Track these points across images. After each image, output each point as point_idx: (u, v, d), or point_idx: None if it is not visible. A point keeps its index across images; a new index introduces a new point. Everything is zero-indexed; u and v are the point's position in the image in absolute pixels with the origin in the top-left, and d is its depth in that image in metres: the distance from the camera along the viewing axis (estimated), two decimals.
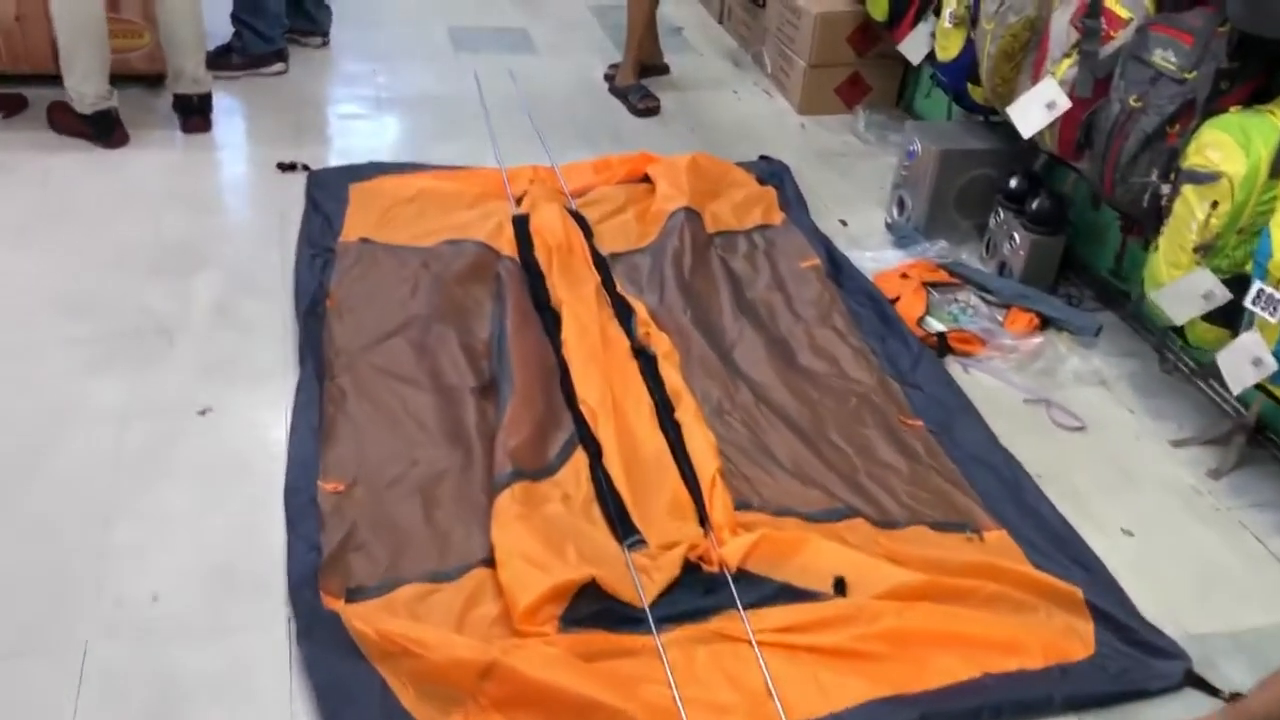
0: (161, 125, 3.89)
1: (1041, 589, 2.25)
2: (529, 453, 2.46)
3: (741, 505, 2.40)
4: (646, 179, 3.69)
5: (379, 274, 3.12)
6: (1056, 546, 2.40)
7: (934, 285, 3.29)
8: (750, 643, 2.10)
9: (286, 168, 3.68)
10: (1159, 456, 2.76)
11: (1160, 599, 2.28)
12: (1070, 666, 2.12)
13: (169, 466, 2.44)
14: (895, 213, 3.66)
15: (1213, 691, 2.10)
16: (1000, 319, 3.18)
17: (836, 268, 3.32)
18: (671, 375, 2.76)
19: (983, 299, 3.27)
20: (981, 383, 2.95)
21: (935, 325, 3.11)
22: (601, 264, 3.22)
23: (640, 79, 4.47)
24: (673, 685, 1.99)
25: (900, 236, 3.57)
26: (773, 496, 2.46)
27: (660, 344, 2.88)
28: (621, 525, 2.33)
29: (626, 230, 3.44)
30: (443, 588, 2.17)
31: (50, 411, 2.55)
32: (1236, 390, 2.53)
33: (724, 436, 2.62)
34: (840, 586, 2.22)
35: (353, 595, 2.13)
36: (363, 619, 2.03)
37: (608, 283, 3.13)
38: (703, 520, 2.36)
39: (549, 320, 2.94)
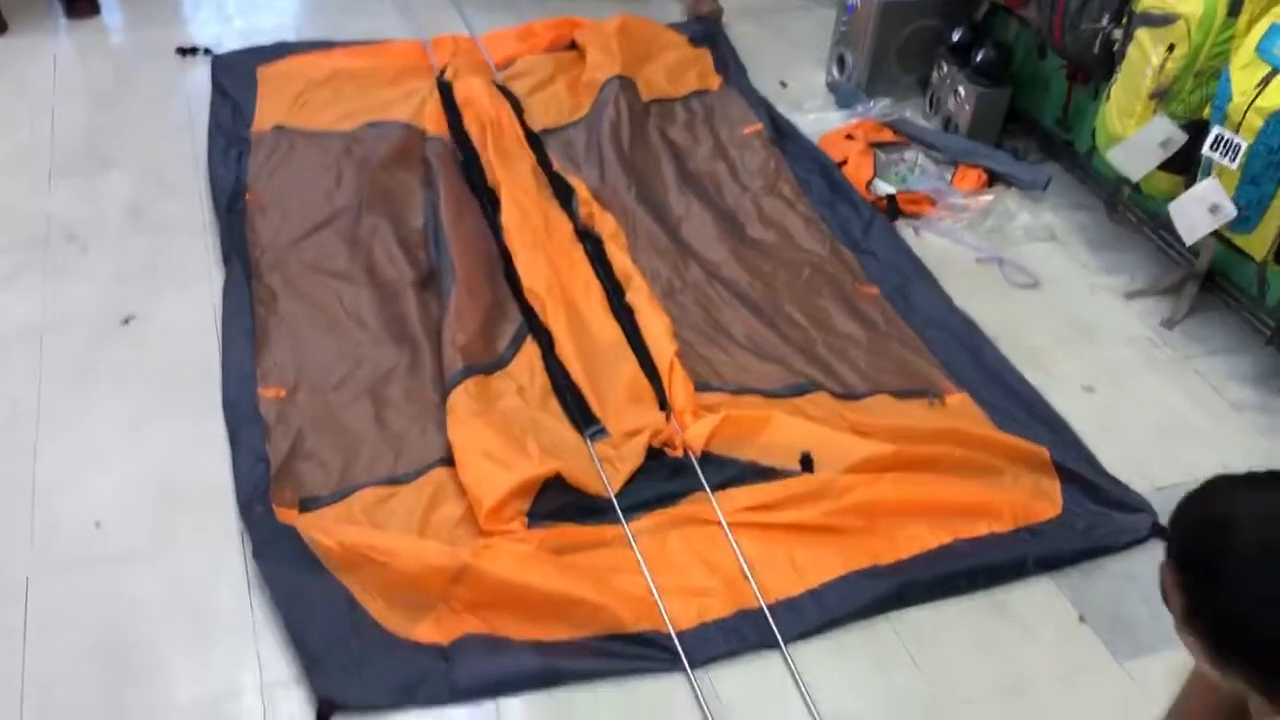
0: (42, 11, 3.58)
1: (1007, 451, 2.24)
2: (478, 347, 2.36)
3: (701, 387, 2.34)
4: (574, 45, 3.50)
5: (299, 163, 2.94)
6: (1019, 407, 2.38)
7: (880, 145, 3.20)
8: (721, 525, 2.06)
9: (186, 52, 3.42)
10: (1113, 309, 2.74)
11: (1123, 453, 2.29)
12: (1039, 527, 2.12)
13: (96, 382, 2.29)
14: (836, 71, 3.53)
15: None
16: (948, 177, 3.11)
17: (780, 133, 3.20)
18: (619, 257, 2.66)
19: (930, 157, 3.18)
20: (933, 244, 2.89)
21: (884, 188, 3.03)
22: (535, 141, 3.06)
23: None
24: (646, 574, 1.95)
25: (842, 96, 3.45)
26: (732, 375, 2.41)
27: (605, 225, 2.76)
28: (581, 416, 2.26)
29: (558, 103, 3.27)
30: (400, 490, 2.09)
31: None
32: (1190, 240, 2.50)
33: (678, 317, 2.54)
34: (807, 462, 2.18)
35: (306, 505, 2.04)
36: (321, 530, 1.94)
37: (543, 161, 2.99)
38: (663, 405, 2.29)
39: (486, 204, 2.80)
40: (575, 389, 2.31)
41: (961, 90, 3.22)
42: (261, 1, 3.84)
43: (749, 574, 1.97)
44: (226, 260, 2.58)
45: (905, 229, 2.93)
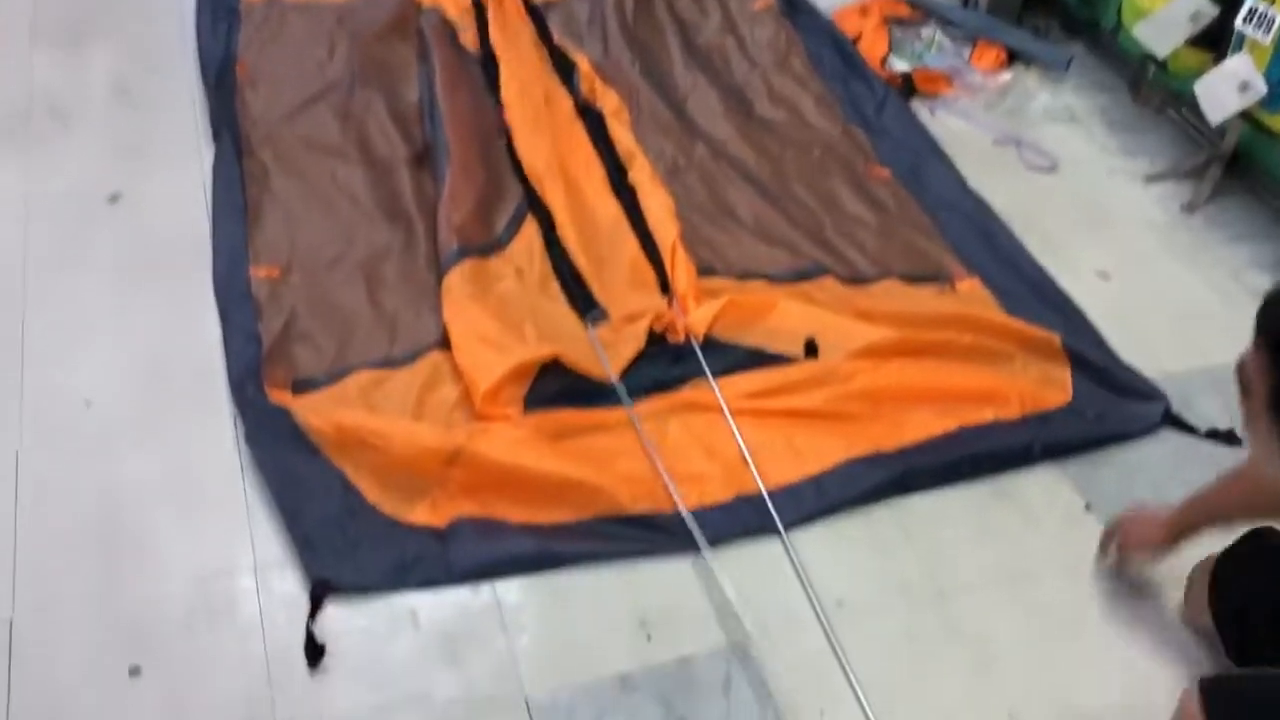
0: None
1: (1017, 337, 2.18)
2: (475, 227, 2.29)
3: (705, 271, 2.28)
4: None
5: (290, 35, 2.83)
6: (1031, 292, 2.32)
7: (896, 20, 3.07)
8: (723, 411, 2.02)
9: None
10: (1132, 193, 2.66)
11: (1138, 341, 2.23)
12: (1048, 414, 2.07)
13: (84, 260, 2.23)
14: None
15: (1189, 430, 2.07)
16: (966, 55, 2.99)
17: (792, 6, 3.07)
18: (622, 135, 2.56)
19: (947, 33, 3.06)
20: (949, 125, 2.79)
21: (899, 65, 2.92)
22: (535, 13, 2.94)
23: None
24: (652, 453, 1.91)
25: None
26: (737, 259, 2.34)
27: (608, 101, 2.66)
28: (581, 299, 2.20)
29: None
30: (395, 374, 2.04)
31: None
32: (1217, 120, 2.40)
33: (681, 198, 2.46)
34: (811, 348, 2.13)
35: (300, 387, 2.00)
36: (315, 412, 1.90)
37: (544, 35, 2.87)
38: (665, 289, 2.23)
39: (485, 76, 2.69)
40: (575, 271, 2.25)
41: None
42: None
43: (749, 459, 1.93)
44: (216, 135, 2.50)
45: (920, 109, 2.83)
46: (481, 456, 1.83)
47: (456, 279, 2.16)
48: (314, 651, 1.62)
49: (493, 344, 2.02)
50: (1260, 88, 2.25)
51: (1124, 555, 1.80)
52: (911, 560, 1.84)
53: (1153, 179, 2.70)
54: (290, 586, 1.72)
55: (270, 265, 2.22)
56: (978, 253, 2.41)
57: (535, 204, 2.39)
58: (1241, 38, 2.27)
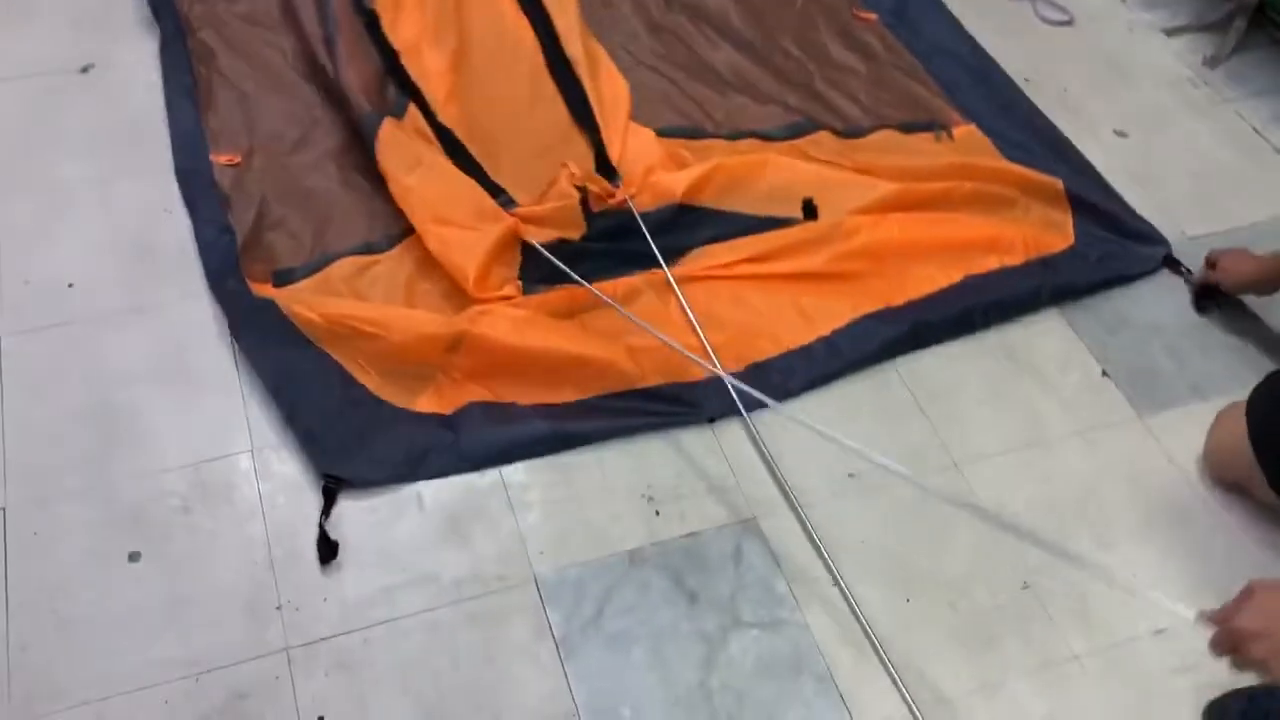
0: None
1: (1018, 181, 2.14)
2: (375, 96, 2.16)
3: (695, 133, 2.20)
4: None
5: None
6: (1032, 138, 2.27)
7: None
8: (728, 279, 1.96)
9: None
10: (1153, 47, 2.54)
11: (1157, 200, 2.16)
12: (1052, 258, 2.04)
13: (58, 136, 2.14)
14: None
15: (1184, 271, 2.05)
16: None
17: None
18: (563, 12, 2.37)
19: None
20: None
21: None
22: None
23: None
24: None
25: None
26: (725, 119, 2.26)
27: None
28: (481, 182, 2.05)
29: None
30: (380, 259, 1.95)
31: None
32: None
33: (662, 54, 2.38)
34: (810, 209, 2.06)
35: (281, 278, 1.91)
36: (303, 304, 1.82)
37: None
38: (601, 167, 2.10)
39: None
40: (465, 152, 2.10)
41: None
42: None
43: (702, 335, 1.86)
44: (156, 15, 2.35)
45: None
46: (486, 339, 1.77)
47: (384, 149, 2.03)
48: (328, 549, 1.58)
49: (455, 224, 1.93)
50: None
51: (1222, 281, 1.93)
52: (925, 429, 1.80)
53: (1174, 32, 2.58)
54: (289, 469, 1.68)
55: (231, 151, 2.10)
56: (974, 97, 2.35)
57: (404, 79, 2.21)
58: None
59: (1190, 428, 1.78)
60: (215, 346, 1.82)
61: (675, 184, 2.04)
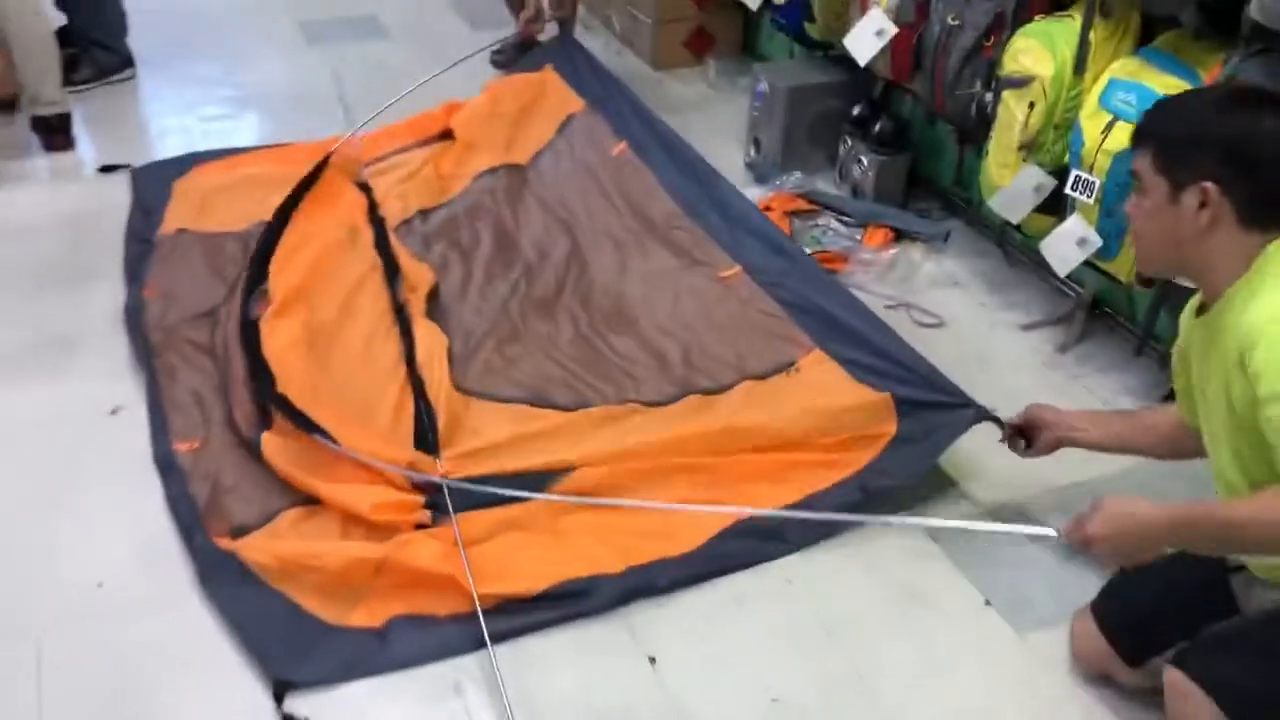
0: (22, 150, 3.88)
1: (853, 410, 2.53)
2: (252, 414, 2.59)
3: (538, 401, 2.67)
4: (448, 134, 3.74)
5: (191, 261, 3.18)
6: (873, 354, 2.67)
7: (796, 214, 3.52)
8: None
9: (107, 170, 3.74)
10: (1012, 340, 3.05)
11: (1018, 463, 2.53)
12: (883, 452, 2.46)
13: (89, 466, 2.54)
14: (752, 151, 3.88)
15: (999, 424, 2.41)
16: (859, 237, 3.43)
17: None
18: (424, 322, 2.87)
19: (841, 221, 3.51)
20: None
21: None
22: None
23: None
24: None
25: (760, 173, 3.79)
26: (613, 394, 2.70)
27: (419, 274, 3.04)
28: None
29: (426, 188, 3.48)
30: (318, 509, 2.34)
31: None
32: (1063, 272, 2.82)
33: (577, 357, 2.84)
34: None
35: (238, 532, 2.30)
36: (257, 549, 2.22)
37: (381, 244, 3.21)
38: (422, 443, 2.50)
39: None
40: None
41: (864, 160, 3.56)
42: (224, 126, 4.16)
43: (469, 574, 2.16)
44: (133, 347, 2.85)
45: None
46: (405, 564, 2.14)
47: (273, 458, 2.42)
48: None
49: (346, 482, 2.34)
50: (1095, 240, 2.67)
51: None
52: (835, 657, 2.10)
53: (1028, 327, 3.10)
54: None
55: (189, 440, 2.55)
56: (828, 329, 2.78)
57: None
58: (1073, 201, 2.70)
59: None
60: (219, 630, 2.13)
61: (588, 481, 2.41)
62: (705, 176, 3.35)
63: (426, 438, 2.50)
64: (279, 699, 1.96)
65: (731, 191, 3.29)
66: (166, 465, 2.49)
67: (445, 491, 2.31)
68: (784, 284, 2.95)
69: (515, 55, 4.47)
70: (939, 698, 2.03)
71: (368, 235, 3.24)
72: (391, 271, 3.08)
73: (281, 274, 2.96)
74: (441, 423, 2.53)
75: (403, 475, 2.36)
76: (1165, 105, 1.81)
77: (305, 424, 2.44)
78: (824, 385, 2.64)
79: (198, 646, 2.09)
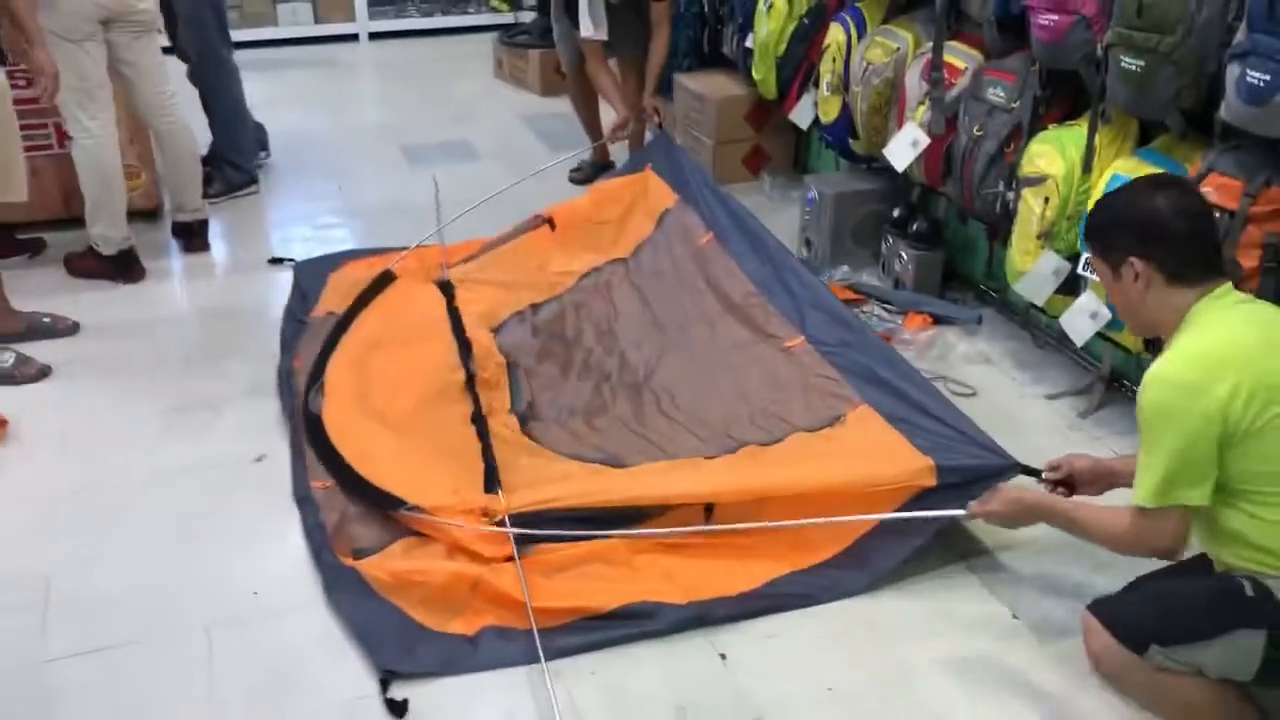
0: (164, 252, 4.47)
1: (894, 465, 2.72)
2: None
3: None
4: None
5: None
6: (915, 411, 2.89)
7: (844, 304, 3.93)
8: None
9: (276, 261, 4.32)
10: (1038, 408, 3.41)
11: None
12: (922, 494, 2.67)
13: (239, 505, 2.98)
14: (804, 251, 4.34)
15: (1036, 475, 2.67)
16: (900, 322, 3.84)
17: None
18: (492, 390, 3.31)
19: (884, 309, 3.93)
20: None
21: None
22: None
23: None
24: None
25: (811, 270, 4.23)
26: (677, 450, 3.06)
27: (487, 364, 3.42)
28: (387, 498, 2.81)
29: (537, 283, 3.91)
30: (428, 541, 2.72)
31: (135, 477, 3.09)
32: (1080, 342, 3.20)
33: (655, 428, 3.21)
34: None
35: (359, 554, 2.70)
36: (376, 567, 2.62)
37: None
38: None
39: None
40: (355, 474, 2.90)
41: (904, 255, 4.00)
42: (337, 233, 4.73)
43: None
44: (283, 404, 3.35)
45: None
46: (495, 585, 2.53)
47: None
48: (396, 708, 2.28)
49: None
50: (1105, 314, 3.06)
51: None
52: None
53: (1053, 397, 3.46)
54: None
55: (324, 480, 2.97)
56: (878, 389, 3.01)
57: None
58: (1085, 280, 3.10)
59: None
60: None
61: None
62: (777, 256, 3.71)
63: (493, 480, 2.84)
64: (385, 685, 2.34)
65: (800, 270, 3.65)
66: (303, 499, 2.93)
67: (509, 530, 2.64)
68: (842, 352, 3.26)
69: (592, 173, 5.06)
70: (971, 693, 2.35)
71: (444, 322, 3.64)
72: (464, 350, 3.47)
73: (348, 366, 3.39)
74: (521, 469, 2.94)
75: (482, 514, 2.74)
76: (1096, 204, 2.26)
77: (379, 499, 2.81)
78: (867, 438, 2.95)
79: (326, 642, 2.50)
